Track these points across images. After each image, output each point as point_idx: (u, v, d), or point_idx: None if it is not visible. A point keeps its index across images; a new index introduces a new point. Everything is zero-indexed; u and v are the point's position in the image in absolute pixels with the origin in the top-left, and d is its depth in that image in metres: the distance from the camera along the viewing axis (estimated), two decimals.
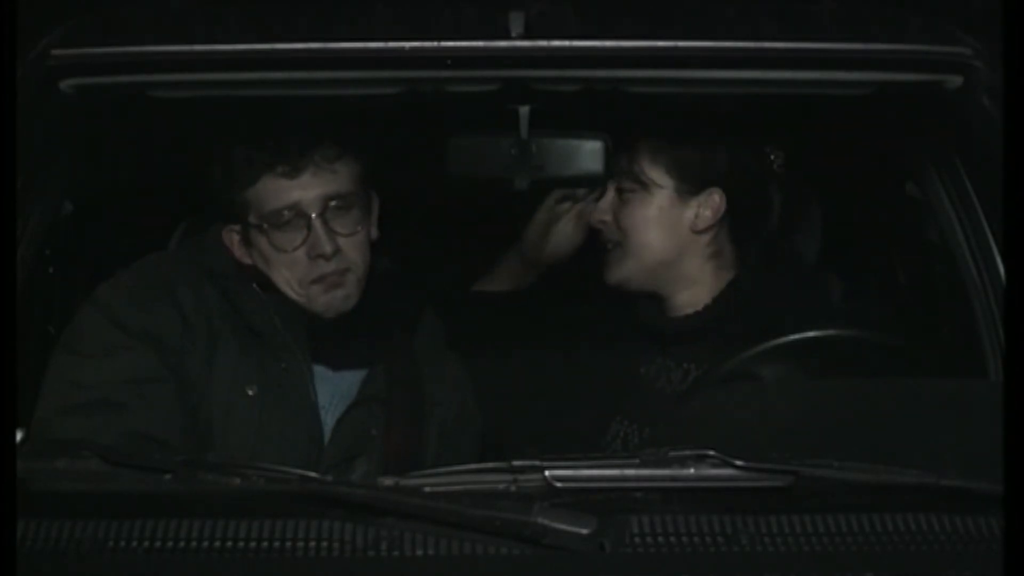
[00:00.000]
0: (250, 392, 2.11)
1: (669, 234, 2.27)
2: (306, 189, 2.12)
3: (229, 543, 1.51)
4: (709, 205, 2.26)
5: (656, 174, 2.26)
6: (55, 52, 2.08)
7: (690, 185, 2.26)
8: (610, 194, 2.32)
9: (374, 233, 2.23)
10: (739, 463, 1.57)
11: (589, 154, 2.41)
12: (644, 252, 2.28)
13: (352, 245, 2.17)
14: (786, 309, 2.19)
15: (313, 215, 2.12)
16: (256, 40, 2.04)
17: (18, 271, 1.97)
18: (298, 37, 2.03)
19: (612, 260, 2.31)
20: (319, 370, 2.21)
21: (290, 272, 2.16)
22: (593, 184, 2.40)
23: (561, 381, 2.40)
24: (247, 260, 2.20)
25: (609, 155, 2.37)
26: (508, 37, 2.02)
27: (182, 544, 1.51)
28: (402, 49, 2.00)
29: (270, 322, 2.16)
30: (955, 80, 2.11)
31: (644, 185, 2.26)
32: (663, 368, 2.32)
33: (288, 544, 1.51)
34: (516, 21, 2.03)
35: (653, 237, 2.27)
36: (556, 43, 2.01)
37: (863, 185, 2.58)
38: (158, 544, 1.51)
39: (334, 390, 2.22)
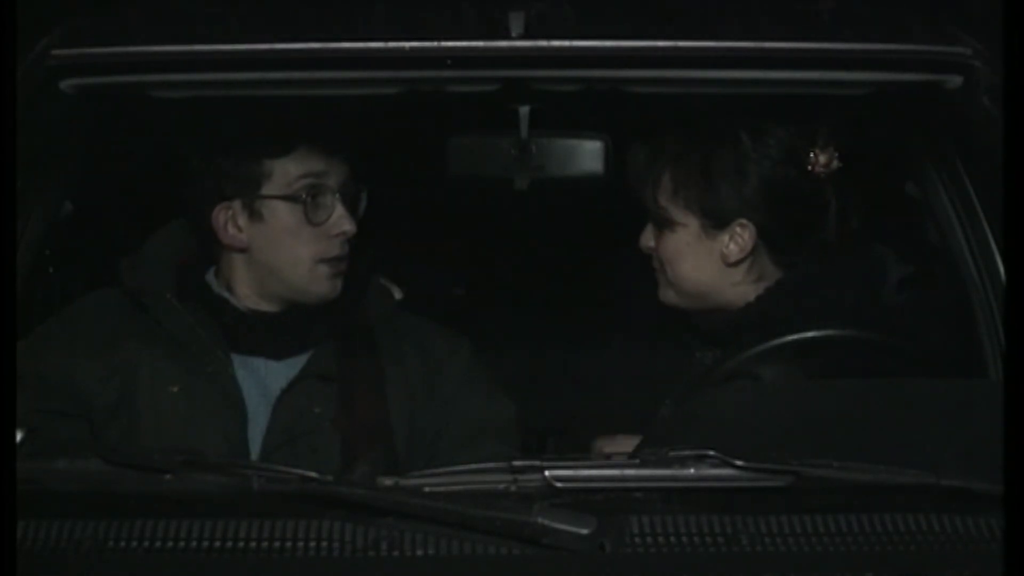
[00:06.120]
0: (174, 389, 2.11)
1: (703, 266, 2.20)
2: (329, 164, 2.15)
3: (229, 543, 1.50)
4: (737, 240, 2.17)
5: (677, 212, 2.18)
6: (55, 52, 2.08)
7: (714, 220, 2.17)
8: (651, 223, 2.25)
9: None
10: (739, 463, 1.57)
11: (589, 154, 2.42)
12: (682, 282, 2.22)
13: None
14: (834, 302, 2.14)
15: (337, 191, 2.15)
16: (256, 40, 2.04)
17: (18, 271, 1.97)
18: (298, 37, 2.03)
19: (660, 283, 2.26)
20: (259, 362, 2.18)
21: (306, 249, 2.16)
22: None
23: (595, 372, 2.38)
24: (238, 242, 2.18)
25: (609, 155, 2.37)
26: (508, 37, 2.02)
27: (182, 544, 1.50)
28: (402, 49, 2.00)
29: (191, 329, 2.15)
30: (955, 80, 2.11)
31: (669, 223, 2.19)
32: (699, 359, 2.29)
33: (288, 544, 1.51)
34: (516, 21, 2.03)
35: (687, 268, 2.21)
36: (556, 43, 2.01)
37: (863, 185, 2.58)
38: (158, 544, 1.50)
39: (280, 375, 2.19)
